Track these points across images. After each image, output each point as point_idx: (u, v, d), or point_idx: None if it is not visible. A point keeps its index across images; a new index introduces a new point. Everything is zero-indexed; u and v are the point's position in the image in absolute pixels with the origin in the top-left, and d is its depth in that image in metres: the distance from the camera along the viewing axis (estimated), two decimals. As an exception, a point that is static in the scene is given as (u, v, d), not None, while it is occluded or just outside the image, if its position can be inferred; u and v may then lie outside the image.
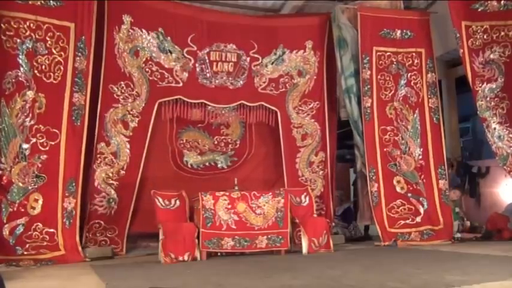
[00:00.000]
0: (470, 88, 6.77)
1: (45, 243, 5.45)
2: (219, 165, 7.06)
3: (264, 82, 6.90)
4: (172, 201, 5.90)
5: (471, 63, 6.70)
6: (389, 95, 7.03)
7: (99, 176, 6.08)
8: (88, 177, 6.03)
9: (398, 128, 6.99)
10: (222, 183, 6.33)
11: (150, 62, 6.37)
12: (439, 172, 6.97)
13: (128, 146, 6.21)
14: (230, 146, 7.14)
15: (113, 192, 6.10)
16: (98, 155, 6.10)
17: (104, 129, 6.12)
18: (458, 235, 6.96)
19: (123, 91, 6.21)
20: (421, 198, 6.84)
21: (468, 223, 7.64)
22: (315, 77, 7.08)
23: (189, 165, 6.93)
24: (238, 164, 7.12)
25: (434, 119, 7.10)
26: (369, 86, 6.95)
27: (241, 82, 6.79)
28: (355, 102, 6.94)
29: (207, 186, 6.15)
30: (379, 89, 7.01)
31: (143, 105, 6.30)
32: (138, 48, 6.32)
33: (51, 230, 5.53)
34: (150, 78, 6.36)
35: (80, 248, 5.63)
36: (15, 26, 5.53)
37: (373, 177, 6.80)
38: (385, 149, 6.91)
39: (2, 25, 5.46)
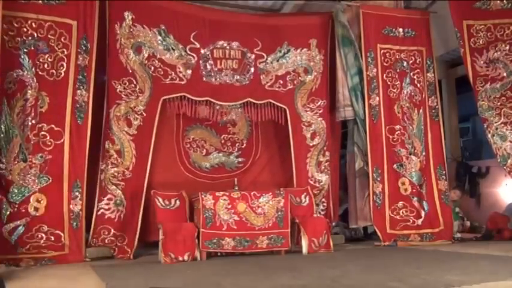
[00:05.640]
0: (471, 88, 6.77)
1: (49, 244, 5.42)
2: (227, 167, 6.99)
3: (271, 79, 6.84)
4: (172, 201, 5.89)
5: (472, 63, 6.69)
6: (396, 93, 7.03)
7: (105, 175, 5.94)
8: (94, 178, 5.93)
9: (405, 127, 6.97)
10: (232, 187, 6.26)
11: (152, 59, 6.29)
12: (438, 172, 6.96)
13: (133, 145, 6.08)
14: (237, 145, 7.08)
15: (119, 193, 5.94)
16: (106, 153, 5.98)
17: (108, 127, 6.04)
18: (458, 235, 6.97)
19: (125, 87, 6.11)
20: (423, 202, 6.82)
21: (468, 223, 7.65)
22: (320, 75, 7.06)
23: (198, 167, 6.83)
24: (247, 166, 7.05)
25: (434, 118, 7.10)
26: (375, 84, 6.95)
27: (247, 80, 6.73)
28: (362, 101, 6.94)
29: (218, 190, 5.93)
30: (386, 87, 7.00)
31: (147, 102, 6.20)
32: (141, 45, 6.25)
33: (57, 232, 5.48)
34: (154, 74, 6.27)
35: (83, 249, 5.60)
36: (16, 26, 5.51)
37: (378, 178, 6.77)
38: (392, 149, 6.88)
39: (4, 25, 5.43)
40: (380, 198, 6.72)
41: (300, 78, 6.97)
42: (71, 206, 5.59)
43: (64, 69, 5.73)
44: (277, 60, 6.89)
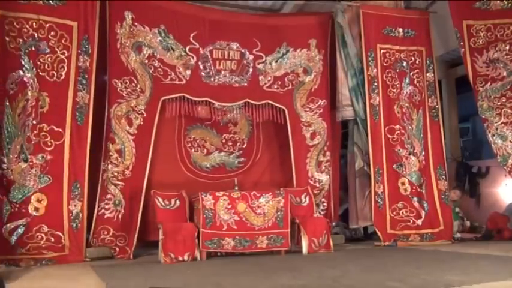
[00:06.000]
0: (471, 88, 6.77)
1: (48, 244, 5.42)
2: (227, 167, 7.00)
3: (269, 80, 6.85)
4: (172, 201, 5.91)
5: (472, 63, 6.68)
6: (396, 93, 7.03)
7: (107, 175, 5.96)
8: (95, 178, 5.95)
9: (404, 127, 6.97)
10: (232, 187, 6.27)
11: (153, 59, 6.30)
12: (438, 172, 6.96)
13: (133, 144, 6.09)
14: (238, 145, 7.09)
15: (118, 193, 5.95)
16: (107, 153, 5.99)
17: (110, 126, 6.05)
18: (458, 235, 6.97)
19: (126, 86, 6.12)
20: (423, 202, 6.82)
21: (468, 223, 7.65)
22: (320, 75, 7.06)
23: (198, 167, 6.86)
24: (248, 166, 7.06)
25: (434, 118, 7.11)
26: (375, 84, 6.95)
27: (245, 80, 6.74)
28: (362, 101, 6.94)
29: (218, 190, 5.92)
30: (386, 87, 7.00)
31: (148, 101, 6.21)
32: (141, 44, 6.26)
33: (57, 233, 5.49)
34: (154, 74, 6.28)
35: (83, 250, 5.61)
36: (17, 27, 5.52)
37: (379, 178, 6.76)
38: (392, 149, 6.87)
39: (5, 26, 5.45)
40: (381, 198, 6.72)
41: (299, 78, 6.98)
42: (70, 206, 5.60)
43: (65, 71, 5.74)
44: (276, 61, 6.89)
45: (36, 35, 5.60)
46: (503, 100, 6.53)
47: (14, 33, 5.50)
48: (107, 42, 6.11)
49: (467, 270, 4.23)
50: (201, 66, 6.54)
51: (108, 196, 5.95)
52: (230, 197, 5.69)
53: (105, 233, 5.86)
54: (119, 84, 6.11)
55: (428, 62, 7.22)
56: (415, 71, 7.15)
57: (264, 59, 6.83)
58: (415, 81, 7.13)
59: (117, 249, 5.83)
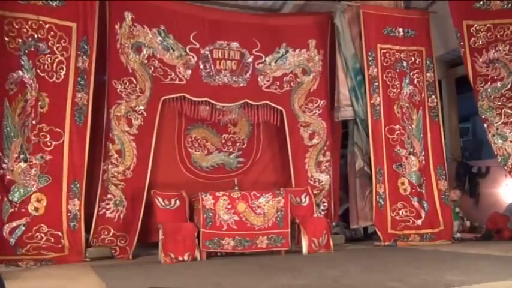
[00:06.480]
0: (471, 88, 6.77)
1: (48, 245, 5.42)
2: (227, 167, 6.99)
3: (268, 81, 6.85)
4: (172, 201, 5.91)
5: (472, 63, 6.68)
6: (396, 93, 7.03)
7: (106, 175, 5.95)
8: (93, 178, 5.96)
9: (404, 127, 6.97)
10: (232, 187, 6.26)
11: (152, 59, 6.30)
12: (438, 172, 6.96)
13: (134, 145, 6.09)
14: (238, 145, 7.08)
15: (119, 193, 5.95)
16: (108, 154, 5.99)
17: (109, 127, 6.04)
18: (458, 235, 6.97)
19: (126, 87, 6.12)
20: (423, 202, 6.81)
21: (468, 223, 7.65)
22: (319, 76, 7.07)
23: (199, 167, 6.85)
24: (247, 166, 7.05)
25: (434, 118, 7.11)
26: (376, 84, 6.95)
27: (245, 81, 6.75)
28: (362, 101, 6.94)
29: (218, 190, 5.91)
30: (386, 87, 7.00)
31: (148, 101, 6.20)
32: (141, 45, 6.26)
33: (57, 233, 5.49)
34: (154, 74, 6.28)
35: (82, 250, 5.60)
36: (17, 27, 5.53)
37: (380, 178, 6.75)
38: (391, 149, 6.87)
39: (4, 26, 5.46)
40: (383, 198, 6.71)
41: (297, 79, 6.98)
42: (68, 206, 5.61)
43: (64, 72, 5.75)
44: (276, 61, 6.89)
45: (35, 35, 5.60)
46: (504, 100, 6.52)
47: (13, 34, 5.51)
48: (106, 43, 6.11)
49: (467, 270, 4.23)
50: (202, 66, 6.54)
51: (109, 196, 5.95)
52: (230, 197, 5.68)
53: (106, 233, 5.86)
54: (119, 85, 6.11)
55: (428, 62, 7.22)
56: (415, 71, 7.15)
57: (263, 59, 6.83)
58: (415, 81, 7.13)
59: (118, 249, 5.82)
